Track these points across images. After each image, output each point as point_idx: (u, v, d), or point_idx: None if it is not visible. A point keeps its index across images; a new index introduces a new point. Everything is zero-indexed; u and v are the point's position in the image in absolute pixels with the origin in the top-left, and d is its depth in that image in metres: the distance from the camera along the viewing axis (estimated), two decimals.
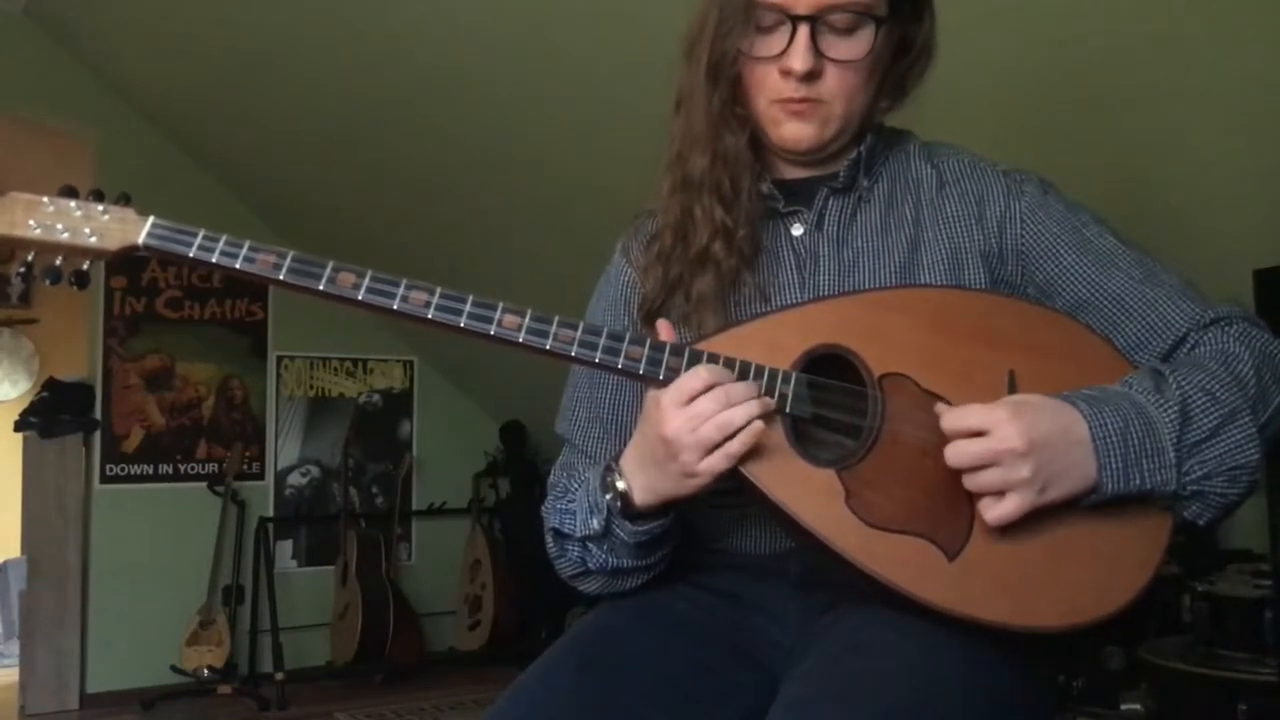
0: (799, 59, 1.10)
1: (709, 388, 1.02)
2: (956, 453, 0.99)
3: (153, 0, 3.75)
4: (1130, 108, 2.14)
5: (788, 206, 1.20)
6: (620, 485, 1.09)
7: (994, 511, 0.99)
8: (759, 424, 1.02)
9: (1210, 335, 1.09)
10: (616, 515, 1.10)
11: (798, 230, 1.19)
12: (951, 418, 1.00)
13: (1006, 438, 0.97)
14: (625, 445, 1.13)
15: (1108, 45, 2.05)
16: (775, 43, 1.12)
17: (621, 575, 1.17)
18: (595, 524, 1.12)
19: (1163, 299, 1.11)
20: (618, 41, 2.70)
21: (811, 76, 1.12)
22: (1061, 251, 1.14)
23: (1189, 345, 1.10)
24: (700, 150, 1.17)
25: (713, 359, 1.05)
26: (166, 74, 4.39)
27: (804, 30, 1.10)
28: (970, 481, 1.00)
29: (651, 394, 1.05)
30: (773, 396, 1.04)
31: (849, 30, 1.11)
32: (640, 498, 1.08)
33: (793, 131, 1.15)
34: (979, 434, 0.99)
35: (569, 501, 1.19)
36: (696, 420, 1.01)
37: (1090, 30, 2.04)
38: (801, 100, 1.13)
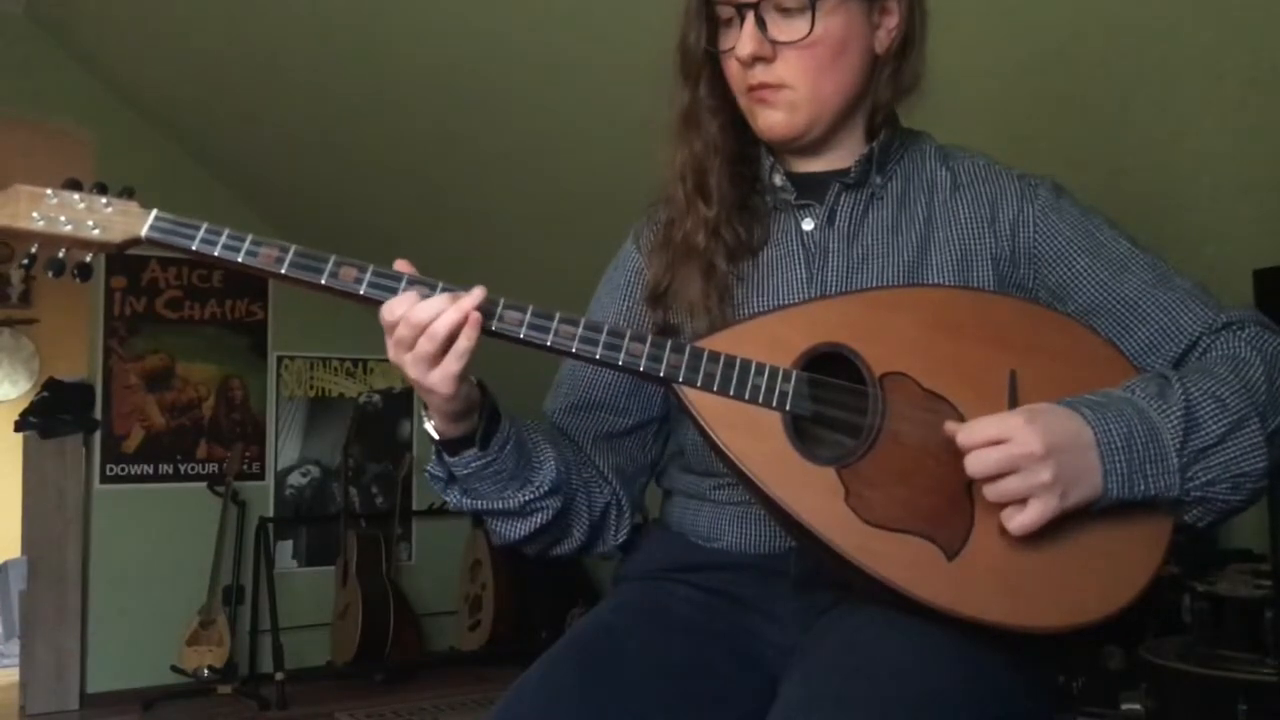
0: (743, 44, 1.13)
1: (399, 321, 1.05)
2: (977, 461, 0.98)
3: (153, 0, 3.75)
4: (1129, 107, 2.14)
5: (800, 199, 1.20)
6: (427, 425, 1.14)
7: (1017, 519, 0.98)
8: (477, 315, 1.05)
9: (1222, 340, 1.09)
10: (440, 452, 1.15)
11: (808, 225, 1.20)
12: (967, 432, 0.99)
13: (1026, 442, 0.96)
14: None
15: (1107, 44, 2.05)
16: (734, 34, 1.15)
17: (497, 520, 1.19)
18: (439, 464, 1.16)
19: (1175, 303, 1.11)
20: (618, 42, 2.70)
21: (762, 61, 1.14)
22: (1074, 255, 1.14)
23: (1200, 350, 1.10)
24: (679, 144, 1.21)
25: (714, 357, 1.06)
26: (166, 74, 4.40)
27: (749, 16, 1.13)
28: (991, 491, 0.98)
29: None
30: (773, 395, 1.05)
31: (799, 11, 1.13)
32: (437, 426, 1.12)
33: (764, 120, 1.17)
34: (997, 443, 0.98)
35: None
36: (402, 344, 1.05)
37: (1089, 30, 2.04)
38: (761, 87, 1.15)
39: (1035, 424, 0.97)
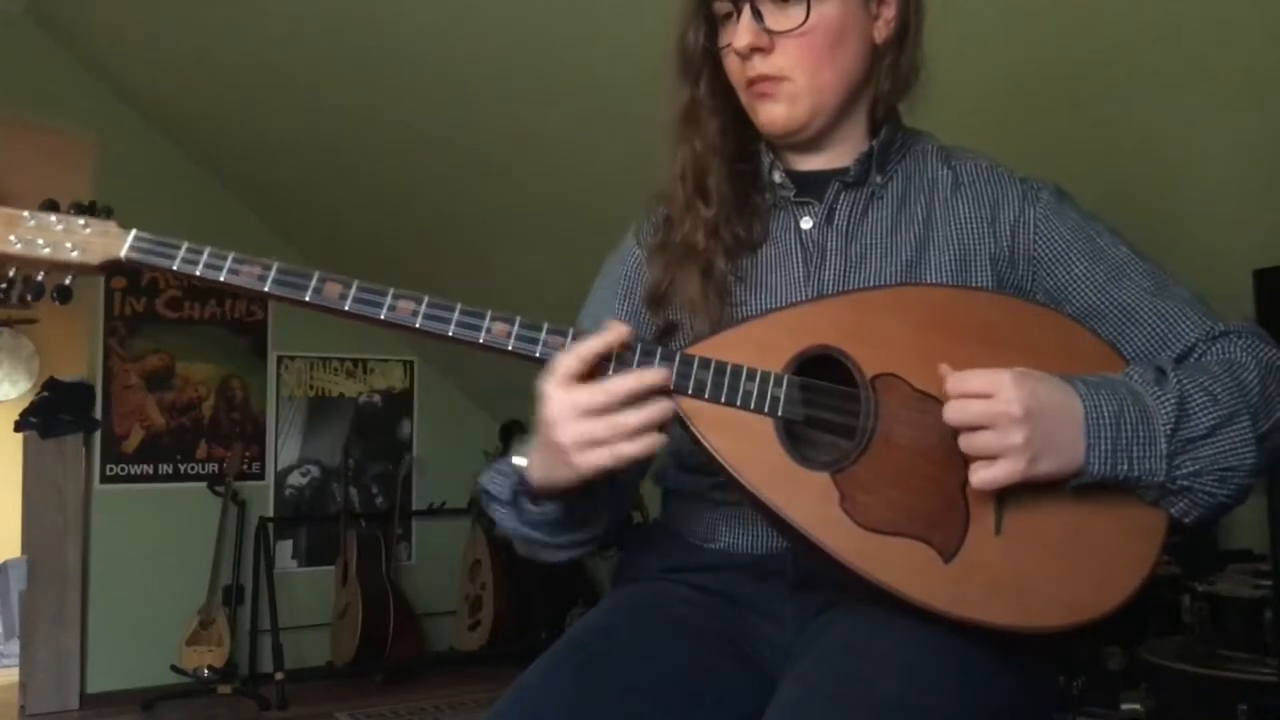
0: (740, 35, 1.13)
1: (584, 370, 1.00)
2: (955, 410, 0.99)
3: (153, 2, 3.75)
4: (1129, 108, 2.14)
5: (799, 197, 1.20)
6: (520, 461, 1.09)
7: (981, 474, 0.98)
8: (660, 437, 1.00)
9: (1218, 346, 1.09)
10: (520, 488, 1.10)
11: (807, 224, 1.19)
12: (956, 380, 1.00)
13: (1006, 401, 0.97)
14: None
15: (1105, 45, 2.04)
16: (732, 30, 1.15)
17: (536, 546, 1.16)
18: (507, 490, 1.12)
19: (1173, 310, 1.11)
20: (609, 52, 2.70)
21: (760, 52, 1.14)
22: (1073, 259, 1.14)
23: (1196, 356, 1.10)
24: (679, 143, 1.20)
25: (704, 364, 1.05)
26: (167, 75, 4.39)
27: (745, 7, 1.13)
28: (965, 443, 0.99)
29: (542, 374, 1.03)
30: (765, 400, 1.04)
31: (796, 0, 1.13)
32: (535, 475, 1.07)
33: (765, 114, 1.17)
34: (982, 396, 0.98)
35: (503, 463, 1.17)
36: (580, 411, 0.99)
37: (1087, 30, 2.04)
38: (761, 79, 1.15)
39: (1022, 386, 0.98)
